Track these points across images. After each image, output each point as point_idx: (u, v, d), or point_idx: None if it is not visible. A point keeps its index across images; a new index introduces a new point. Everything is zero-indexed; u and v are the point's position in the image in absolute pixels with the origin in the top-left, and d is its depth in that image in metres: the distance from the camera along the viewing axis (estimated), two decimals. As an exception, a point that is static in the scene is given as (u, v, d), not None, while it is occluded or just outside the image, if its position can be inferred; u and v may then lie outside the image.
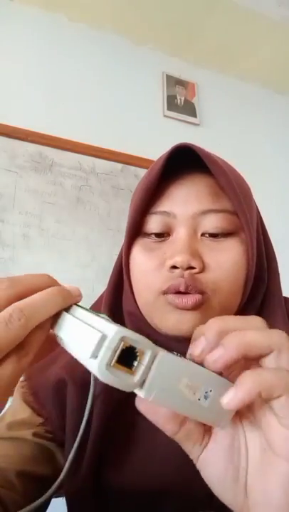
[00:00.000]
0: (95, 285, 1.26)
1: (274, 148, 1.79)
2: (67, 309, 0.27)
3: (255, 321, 0.25)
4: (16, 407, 0.44)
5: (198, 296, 0.36)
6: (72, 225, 1.31)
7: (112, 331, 0.21)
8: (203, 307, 0.37)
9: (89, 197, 1.36)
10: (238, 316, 0.26)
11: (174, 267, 0.37)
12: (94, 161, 1.39)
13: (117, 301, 0.46)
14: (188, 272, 0.36)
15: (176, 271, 0.37)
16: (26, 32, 1.44)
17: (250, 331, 0.23)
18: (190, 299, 0.36)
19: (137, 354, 0.21)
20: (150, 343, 0.22)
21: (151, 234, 0.40)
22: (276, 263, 0.45)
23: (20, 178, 1.28)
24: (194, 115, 1.64)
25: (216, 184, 0.39)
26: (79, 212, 1.33)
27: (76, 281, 1.25)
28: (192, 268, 0.36)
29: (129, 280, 0.42)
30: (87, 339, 0.22)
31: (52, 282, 0.28)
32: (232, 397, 0.22)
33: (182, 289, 0.36)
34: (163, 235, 0.40)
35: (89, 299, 0.49)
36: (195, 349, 0.24)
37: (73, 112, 1.42)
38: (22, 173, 1.28)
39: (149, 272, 0.39)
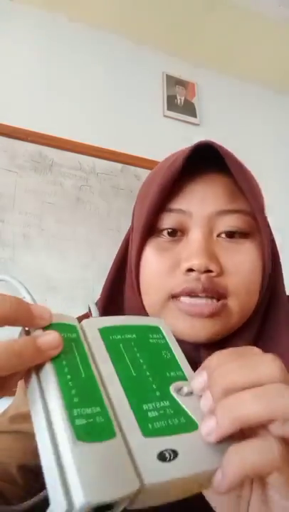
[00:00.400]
0: (95, 285, 1.25)
1: (274, 149, 1.78)
2: (39, 368, 0.21)
3: (267, 369, 0.22)
4: (19, 401, 0.44)
5: (215, 305, 0.35)
6: (72, 225, 1.30)
7: (79, 504, 0.17)
8: (222, 314, 0.36)
9: (89, 197, 1.36)
10: (247, 364, 0.22)
11: (190, 270, 0.35)
12: (94, 161, 1.39)
13: (114, 299, 0.45)
14: (205, 275, 0.35)
15: (193, 274, 0.35)
16: (26, 32, 1.44)
17: (249, 400, 0.21)
18: (205, 308, 0.35)
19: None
20: (125, 496, 0.19)
21: (164, 231, 0.39)
22: (280, 265, 0.45)
23: (20, 178, 1.28)
24: (194, 115, 1.64)
25: (232, 184, 0.39)
26: (79, 212, 1.33)
27: (76, 281, 1.25)
28: (209, 271, 0.35)
29: (137, 280, 0.41)
30: (52, 498, 0.18)
31: (16, 316, 0.22)
32: (219, 482, 0.21)
33: (199, 291, 0.35)
34: (176, 234, 0.39)
35: (89, 299, 0.49)
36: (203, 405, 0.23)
37: (73, 111, 1.42)
38: (22, 173, 1.28)
39: (162, 273, 0.37)
